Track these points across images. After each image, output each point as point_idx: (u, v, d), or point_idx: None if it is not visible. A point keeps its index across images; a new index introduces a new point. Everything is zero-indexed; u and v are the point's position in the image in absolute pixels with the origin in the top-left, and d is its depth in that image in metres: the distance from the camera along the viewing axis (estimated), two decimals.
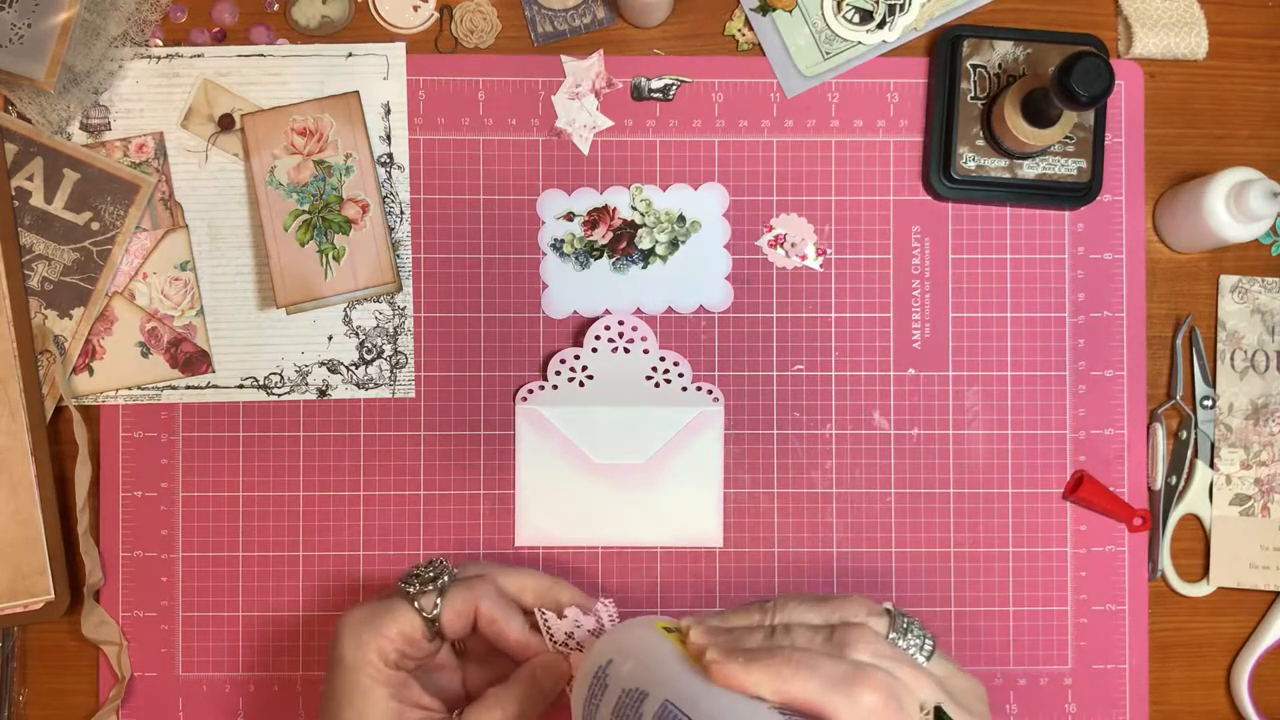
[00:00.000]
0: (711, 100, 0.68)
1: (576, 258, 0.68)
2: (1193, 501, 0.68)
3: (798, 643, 0.47)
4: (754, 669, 0.45)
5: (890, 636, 0.49)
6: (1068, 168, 0.66)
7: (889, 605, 0.50)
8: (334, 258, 0.66)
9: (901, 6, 0.68)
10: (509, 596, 0.57)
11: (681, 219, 0.68)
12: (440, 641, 0.57)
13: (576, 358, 0.66)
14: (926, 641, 0.49)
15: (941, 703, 0.45)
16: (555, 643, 0.56)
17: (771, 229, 0.68)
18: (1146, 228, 0.69)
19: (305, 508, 0.67)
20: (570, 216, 0.68)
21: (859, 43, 0.68)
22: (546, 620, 0.56)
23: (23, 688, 0.67)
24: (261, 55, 0.67)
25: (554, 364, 0.66)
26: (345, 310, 0.67)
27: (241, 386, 0.67)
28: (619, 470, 0.67)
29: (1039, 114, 0.63)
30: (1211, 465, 0.68)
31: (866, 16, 0.68)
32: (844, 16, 0.68)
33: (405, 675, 0.55)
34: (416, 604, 0.55)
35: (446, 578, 0.56)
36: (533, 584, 0.58)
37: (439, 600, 0.55)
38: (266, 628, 0.67)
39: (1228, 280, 0.69)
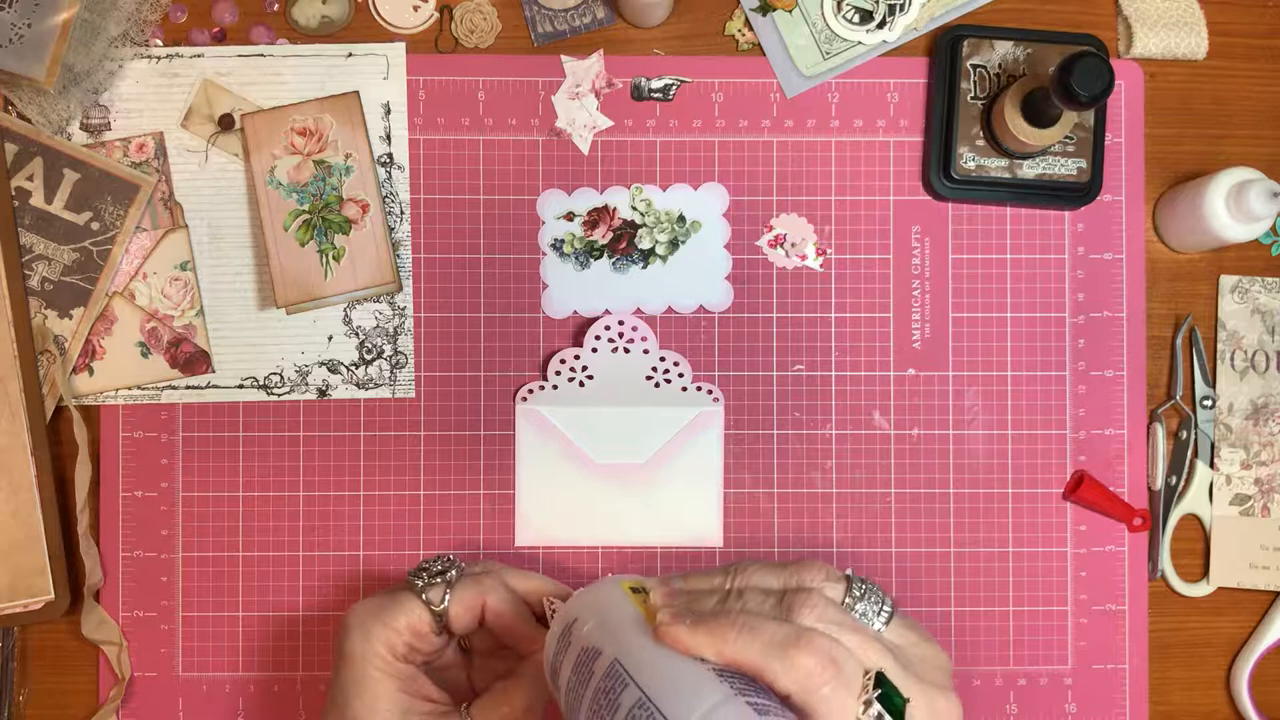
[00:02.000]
0: (711, 100, 0.68)
1: (576, 258, 0.68)
2: (1193, 501, 0.68)
3: (749, 606, 0.48)
4: (698, 632, 0.45)
5: (846, 602, 0.49)
6: (1068, 168, 0.66)
7: (849, 571, 0.51)
8: (334, 258, 0.66)
9: (901, 6, 0.68)
10: (517, 593, 0.58)
11: (681, 219, 0.68)
12: (447, 637, 0.57)
13: (576, 358, 0.66)
14: (884, 608, 0.49)
15: (888, 669, 0.45)
16: None
17: (771, 229, 0.68)
18: (1146, 228, 0.69)
19: (305, 508, 0.67)
20: (570, 216, 0.68)
21: (859, 43, 0.68)
22: (554, 610, 0.57)
23: (23, 688, 0.67)
24: (261, 55, 0.67)
25: (554, 364, 0.66)
26: (345, 310, 0.67)
27: (241, 386, 0.67)
28: (619, 470, 0.67)
29: (1039, 114, 0.63)
30: (1211, 465, 0.68)
31: (866, 16, 0.68)
32: (844, 16, 0.68)
33: (413, 669, 0.55)
34: (424, 597, 0.55)
35: (454, 572, 0.56)
36: (540, 586, 0.58)
37: (447, 594, 0.55)
38: (266, 628, 0.67)
39: (1228, 280, 0.69)
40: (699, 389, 0.67)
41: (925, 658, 0.49)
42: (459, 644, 0.60)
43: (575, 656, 0.49)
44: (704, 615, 0.47)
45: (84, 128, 0.67)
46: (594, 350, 0.66)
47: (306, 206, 0.66)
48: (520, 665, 0.57)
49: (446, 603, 0.55)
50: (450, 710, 0.55)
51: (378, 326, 0.67)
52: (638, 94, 0.68)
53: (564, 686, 0.49)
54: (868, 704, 0.44)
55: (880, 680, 0.44)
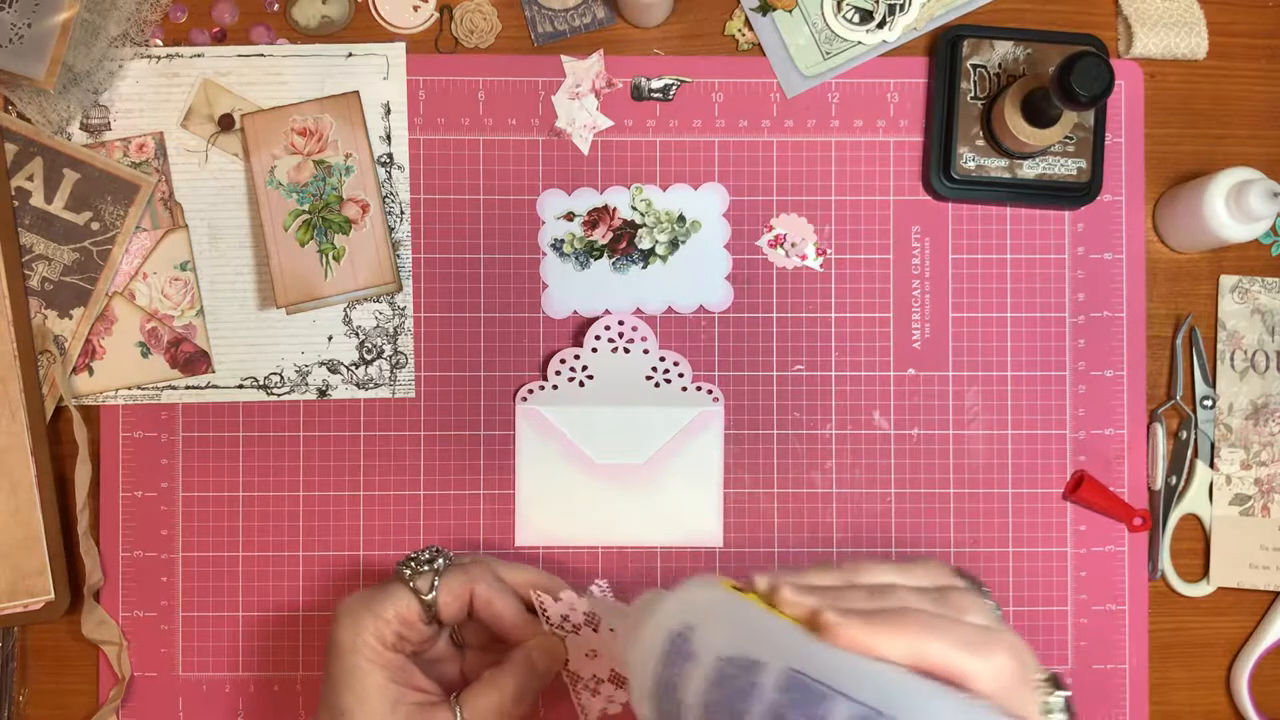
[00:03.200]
0: (711, 100, 0.68)
1: (576, 258, 0.68)
2: (1193, 501, 0.68)
3: (910, 604, 0.44)
4: (880, 631, 0.41)
5: None
6: (1068, 168, 0.66)
7: (959, 569, 0.48)
8: (334, 258, 0.66)
9: (901, 6, 0.68)
10: (506, 583, 0.58)
11: (681, 219, 0.68)
12: (437, 627, 0.57)
13: (576, 358, 0.66)
14: (995, 608, 0.46)
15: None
16: (551, 625, 0.57)
17: (771, 229, 0.68)
18: (1146, 228, 0.69)
19: (305, 508, 0.67)
20: (570, 216, 0.68)
21: (859, 43, 0.68)
22: (542, 602, 0.57)
23: (23, 688, 0.67)
24: (261, 55, 0.67)
25: (554, 364, 0.66)
26: (345, 310, 0.67)
27: (241, 386, 0.67)
28: (619, 470, 0.67)
29: (1039, 114, 0.63)
30: (1211, 465, 0.68)
31: (866, 16, 0.68)
32: (844, 16, 0.68)
33: (403, 659, 0.55)
34: (412, 585, 0.55)
35: (443, 561, 0.56)
36: (530, 578, 0.59)
37: (435, 582, 0.55)
38: (266, 628, 0.67)
39: (1228, 280, 0.69)
40: (699, 389, 0.67)
41: None
42: (452, 638, 0.60)
43: (713, 669, 0.42)
44: (875, 614, 0.42)
45: (84, 128, 0.67)
46: (594, 350, 0.66)
47: (306, 206, 0.66)
48: (510, 653, 0.57)
49: (435, 591, 0.55)
50: (440, 700, 0.55)
51: (378, 326, 0.67)
52: (638, 94, 0.68)
53: (694, 704, 0.43)
54: (1048, 704, 0.42)
55: (1053, 679, 0.42)
